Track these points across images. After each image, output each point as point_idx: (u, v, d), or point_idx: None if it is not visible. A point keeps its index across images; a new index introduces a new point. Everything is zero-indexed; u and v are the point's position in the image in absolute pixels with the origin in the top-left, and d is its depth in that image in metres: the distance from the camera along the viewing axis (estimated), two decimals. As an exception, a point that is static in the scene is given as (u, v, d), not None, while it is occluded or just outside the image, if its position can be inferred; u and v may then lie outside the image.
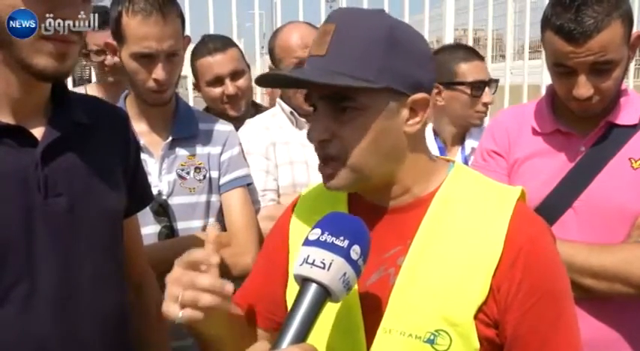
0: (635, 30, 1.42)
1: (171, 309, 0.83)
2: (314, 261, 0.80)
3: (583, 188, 1.45)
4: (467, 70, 2.04)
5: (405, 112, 0.93)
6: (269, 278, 1.09)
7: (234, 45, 2.29)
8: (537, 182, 1.50)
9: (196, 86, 2.32)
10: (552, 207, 1.47)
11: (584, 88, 1.38)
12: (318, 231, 0.83)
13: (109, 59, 2.29)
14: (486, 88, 2.06)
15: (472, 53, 2.12)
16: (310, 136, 0.95)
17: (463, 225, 0.92)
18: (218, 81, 2.17)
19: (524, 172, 1.56)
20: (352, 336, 0.93)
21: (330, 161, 0.94)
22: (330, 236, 0.81)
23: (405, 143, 0.95)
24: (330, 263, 0.80)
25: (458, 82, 2.05)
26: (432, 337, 0.88)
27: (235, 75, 2.18)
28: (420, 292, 0.90)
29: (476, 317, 0.88)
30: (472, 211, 0.93)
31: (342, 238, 0.81)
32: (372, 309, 0.93)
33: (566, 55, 1.36)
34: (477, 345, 0.88)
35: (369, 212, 0.98)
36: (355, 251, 0.81)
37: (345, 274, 0.80)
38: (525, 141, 1.57)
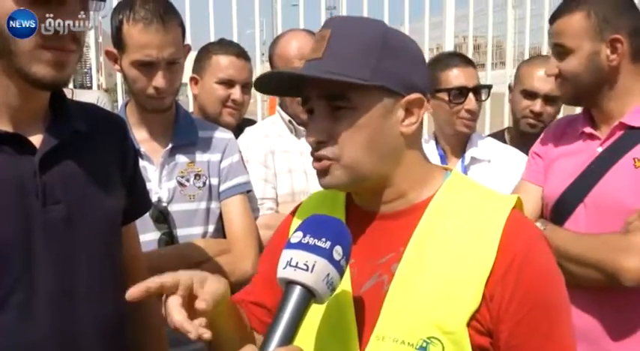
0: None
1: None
2: (297, 263, 0.81)
3: (592, 186, 1.54)
4: (447, 77, 2.01)
5: (401, 113, 0.95)
6: (267, 282, 1.09)
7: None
8: (557, 180, 1.63)
9: (194, 81, 2.21)
10: (566, 202, 1.60)
11: (550, 65, 1.64)
12: (299, 234, 0.84)
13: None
14: (470, 95, 2.01)
15: (457, 60, 2.08)
16: (308, 138, 0.96)
17: (457, 233, 0.92)
18: (230, 84, 2.13)
19: (552, 170, 1.68)
20: (345, 343, 0.93)
21: (323, 159, 0.95)
22: (311, 238, 0.82)
23: (402, 144, 0.96)
24: (314, 265, 0.81)
25: (439, 89, 2.02)
26: (424, 345, 0.88)
27: (245, 86, 2.17)
28: (413, 300, 0.90)
29: (469, 325, 0.88)
30: (466, 220, 0.93)
31: (323, 239, 0.82)
32: (366, 316, 0.93)
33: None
34: None
35: (365, 218, 0.99)
36: (337, 252, 0.82)
37: (328, 275, 0.81)
38: (560, 142, 1.71)
